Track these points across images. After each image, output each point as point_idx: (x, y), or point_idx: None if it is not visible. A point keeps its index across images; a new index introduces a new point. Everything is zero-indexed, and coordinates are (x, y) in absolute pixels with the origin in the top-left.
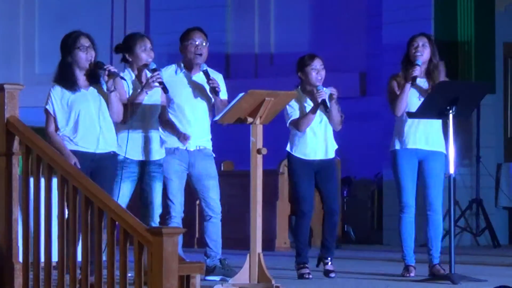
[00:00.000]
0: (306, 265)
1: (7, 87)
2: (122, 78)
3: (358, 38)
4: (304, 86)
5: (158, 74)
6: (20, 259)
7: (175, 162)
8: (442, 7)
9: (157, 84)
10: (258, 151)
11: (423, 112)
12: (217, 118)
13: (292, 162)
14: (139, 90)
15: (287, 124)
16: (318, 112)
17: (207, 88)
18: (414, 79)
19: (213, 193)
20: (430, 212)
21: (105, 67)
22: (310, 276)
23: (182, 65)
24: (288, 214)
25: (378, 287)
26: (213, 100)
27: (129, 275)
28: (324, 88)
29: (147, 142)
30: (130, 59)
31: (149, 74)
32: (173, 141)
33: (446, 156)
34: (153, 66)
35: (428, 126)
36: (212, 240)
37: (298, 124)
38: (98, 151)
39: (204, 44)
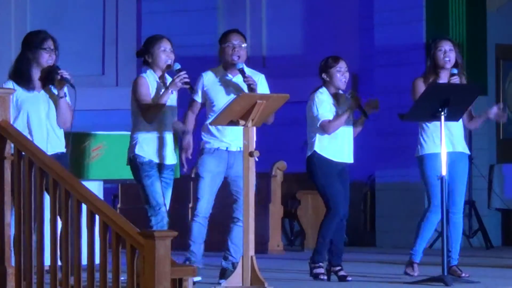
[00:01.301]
0: (322, 265)
1: None
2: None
3: (350, 40)
4: (329, 88)
5: (184, 73)
6: (13, 263)
7: (211, 162)
8: (434, 9)
9: (182, 84)
10: (251, 154)
11: (414, 114)
12: (209, 121)
13: (321, 163)
14: (162, 91)
15: (317, 125)
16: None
17: (245, 89)
18: None
19: None
20: (452, 214)
21: (59, 71)
22: (325, 278)
23: (220, 68)
24: (281, 217)
25: None
26: None
27: (122, 278)
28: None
29: (161, 145)
30: (150, 60)
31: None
32: (214, 142)
33: (469, 156)
34: (178, 66)
35: (452, 128)
36: (233, 244)
37: (330, 126)
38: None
39: (242, 45)
